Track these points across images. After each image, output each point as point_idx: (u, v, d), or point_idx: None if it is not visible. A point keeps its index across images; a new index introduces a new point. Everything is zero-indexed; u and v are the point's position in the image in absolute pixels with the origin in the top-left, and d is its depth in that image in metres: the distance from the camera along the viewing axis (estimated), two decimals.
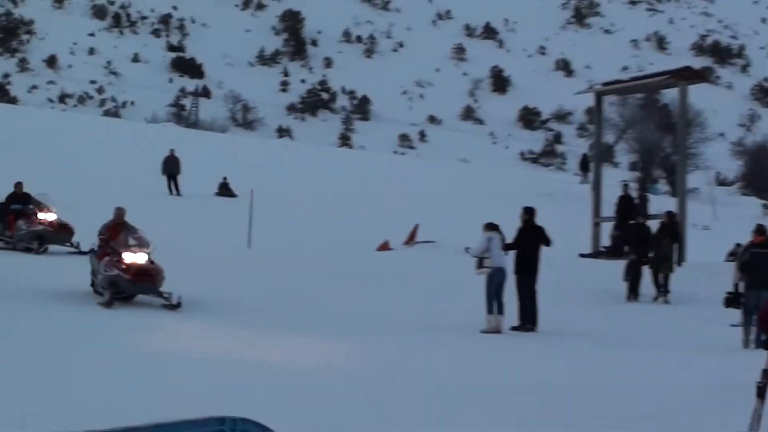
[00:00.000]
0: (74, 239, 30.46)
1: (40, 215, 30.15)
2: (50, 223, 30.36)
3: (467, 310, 23.00)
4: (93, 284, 23.33)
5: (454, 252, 28.44)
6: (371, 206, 48.08)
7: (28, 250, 30.17)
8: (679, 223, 29.07)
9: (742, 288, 21.84)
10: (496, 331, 22.35)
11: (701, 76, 39.90)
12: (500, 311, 22.68)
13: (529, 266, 23.24)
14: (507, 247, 23.28)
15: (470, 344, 21.02)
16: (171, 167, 52.68)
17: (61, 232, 30.80)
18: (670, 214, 29.46)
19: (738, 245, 33.51)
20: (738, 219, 54.95)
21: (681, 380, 17.42)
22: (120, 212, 24.29)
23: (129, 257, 22.12)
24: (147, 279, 22.09)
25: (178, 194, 51.47)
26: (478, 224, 24.01)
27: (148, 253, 22.70)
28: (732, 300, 20.73)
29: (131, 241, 22.99)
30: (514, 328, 22.74)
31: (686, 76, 38.78)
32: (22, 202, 31.14)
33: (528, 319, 22.96)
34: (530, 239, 23.53)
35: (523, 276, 23.12)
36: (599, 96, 41.66)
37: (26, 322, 19.55)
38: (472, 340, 21.53)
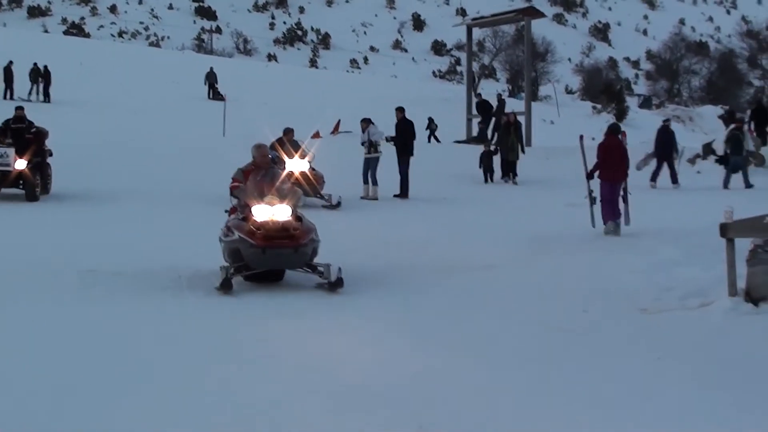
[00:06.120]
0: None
1: None
2: None
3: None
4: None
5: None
6: (326, 107, 45.64)
7: None
8: (519, 121, 26.46)
9: None
10: (373, 198, 20.36)
11: (539, 12, 38.93)
12: (375, 183, 20.59)
13: (406, 150, 20.89)
14: (391, 138, 21.23)
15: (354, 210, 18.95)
16: (211, 78, 50.46)
17: None
18: (513, 114, 26.81)
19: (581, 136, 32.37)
20: (575, 116, 54.42)
21: (519, 232, 15.42)
22: (261, 151, 11.96)
23: (261, 212, 10.85)
24: (286, 243, 10.62)
25: (216, 99, 47.69)
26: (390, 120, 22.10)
27: (294, 205, 11.19)
28: None
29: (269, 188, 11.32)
30: (396, 196, 20.62)
31: (529, 12, 37.77)
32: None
33: (404, 190, 20.86)
34: (405, 131, 21.20)
35: (402, 158, 20.82)
36: (469, 27, 39.97)
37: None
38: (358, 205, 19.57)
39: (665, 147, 24.05)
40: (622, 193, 15.39)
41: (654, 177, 23.79)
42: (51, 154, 19.95)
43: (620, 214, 15.08)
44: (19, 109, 20.17)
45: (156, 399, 6.58)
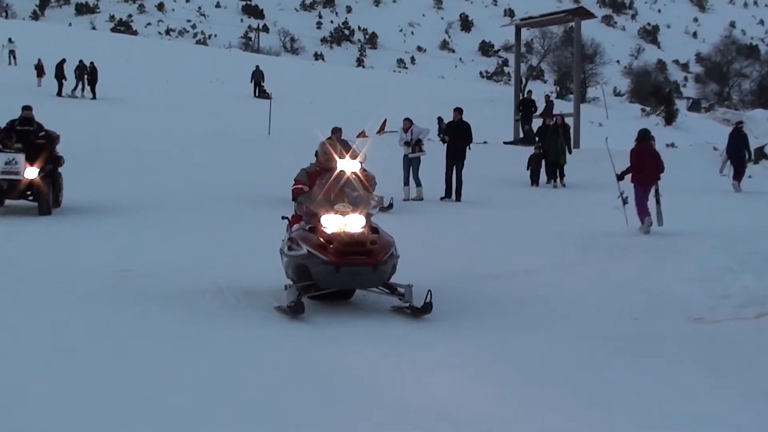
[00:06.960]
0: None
1: None
2: None
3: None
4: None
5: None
6: (372, 106, 45.54)
7: None
8: (567, 124, 26.39)
9: None
10: (418, 198, 20.20)
11: (589, 13, 38.30)
12: (419, 183, 20.40)
13: (459, 153, 20.60)
14: (443, 140, 21.14)
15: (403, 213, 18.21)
16: (257, 76, 50.65)
17: None
18: (561, 116, 26.52)
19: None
20: (624, 119, 53.86)
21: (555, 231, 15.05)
22: (325, 148, 10.22)
23: (331, 222, 9.25)
24: (363, 260, 8.96)
25: (262, 97, 47.68)
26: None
27: (368, 214, 9.58)
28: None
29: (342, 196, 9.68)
30: (442, 198, 20.47)
31: (579, 13, 37.16)
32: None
33: (451, 192, 20.60)
34: (459, 132, 20.90)
35: (458, 162, 20.57)
36: (518, 28, 39.41)
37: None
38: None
39: (736, 149, 24.20)
40: (653, 194, 15.86)
41: (735, 177, 23.95)
42: (63, 162, 17.25)
43: (649, 213, 15.65)
44: (27, 108, 16.99)
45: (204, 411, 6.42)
